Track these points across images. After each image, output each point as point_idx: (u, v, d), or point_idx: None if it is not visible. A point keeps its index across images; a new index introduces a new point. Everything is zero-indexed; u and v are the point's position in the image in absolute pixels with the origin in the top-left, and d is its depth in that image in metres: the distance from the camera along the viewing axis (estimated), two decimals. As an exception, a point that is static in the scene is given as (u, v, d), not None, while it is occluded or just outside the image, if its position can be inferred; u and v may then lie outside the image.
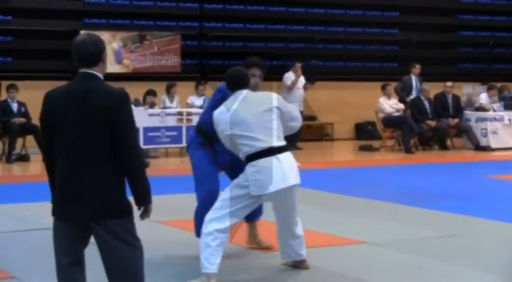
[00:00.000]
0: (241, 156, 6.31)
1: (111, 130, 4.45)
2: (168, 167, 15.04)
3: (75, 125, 4.49)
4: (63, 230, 4.59)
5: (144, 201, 4.57)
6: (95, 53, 4.58)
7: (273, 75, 19.12)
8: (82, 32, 18.18)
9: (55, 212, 4.62)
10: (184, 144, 16.11)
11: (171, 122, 16.16)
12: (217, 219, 6.19)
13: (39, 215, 9.16)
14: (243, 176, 6.26)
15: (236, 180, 6.35)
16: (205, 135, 6.96)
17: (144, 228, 4.73)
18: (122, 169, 4.50)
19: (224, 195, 6.30)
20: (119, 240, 4.51)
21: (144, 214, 4.61)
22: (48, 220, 8.80)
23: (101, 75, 4.61)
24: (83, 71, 4.57)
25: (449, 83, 18.70)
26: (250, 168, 6.19)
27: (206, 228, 6.20)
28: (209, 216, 6.25)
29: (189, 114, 16.34)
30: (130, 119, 4.56)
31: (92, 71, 4.57)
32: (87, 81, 4.55)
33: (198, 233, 6.62)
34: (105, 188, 4.49)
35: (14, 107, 15.56)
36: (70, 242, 4.60)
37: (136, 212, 4.58)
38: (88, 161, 4.47)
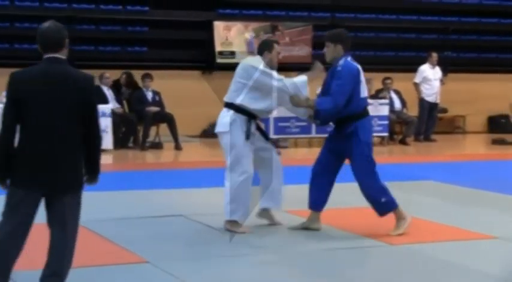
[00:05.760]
0: None
1: (84, 108, 4.96)
2: (297, 157, 15.10)
3: (58, 104, 4.91)
4: (25, 197, 4.92)
5: (98, 170, 5.13)
6: (61, 39, 5.03)
7: (404, 66, 19.01)
8: (215, 22, 18.53)
9: (21, 182, 4.93)
10: (313, 134, 16.16)
11: (301, 112, 16.18)
12: None
13: (170, 201, 9.41)
14: None
15: None
16: None
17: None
18: (87, 142, 4.99)
19: None
20: (71, 214, 5.01)
21: (94, 180, 5.15)
22: (180, 207, 9.04)
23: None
24: (52, 56, 5.00)
25: None
26: None
27: None
28: None
29: (319, 104, 16.34)
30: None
31: (60, 56, 5.01)
32: (60, 65, 5.01)
33: None
34: (76, 163, 5.00)
35: (149, 95, 15.94)
36: (31, 208, 4.96)
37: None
38: (66, 137, 4.93)
